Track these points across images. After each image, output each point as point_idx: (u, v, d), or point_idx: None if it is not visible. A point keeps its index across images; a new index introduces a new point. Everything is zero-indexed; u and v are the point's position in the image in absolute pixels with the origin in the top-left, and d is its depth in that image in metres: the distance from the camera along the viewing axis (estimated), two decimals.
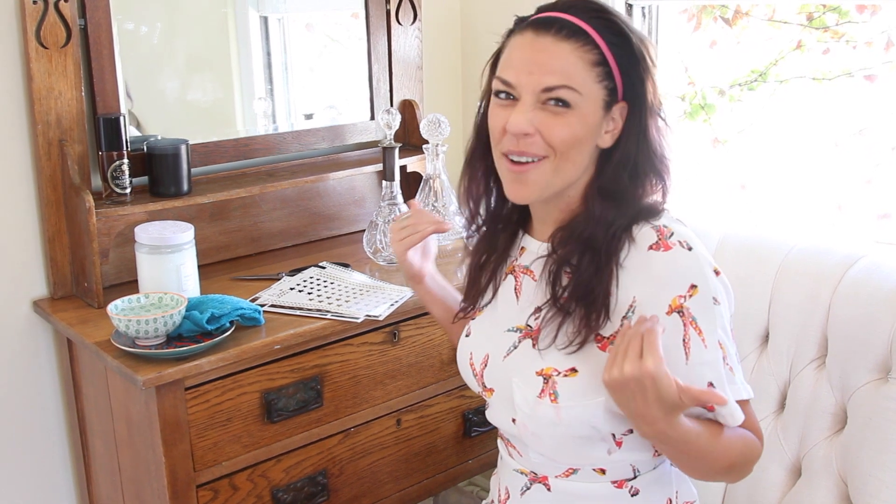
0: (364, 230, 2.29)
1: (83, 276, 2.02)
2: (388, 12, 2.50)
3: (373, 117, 2.53)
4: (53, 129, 1.99)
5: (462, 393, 2.17)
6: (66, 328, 1.94)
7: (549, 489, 1.50)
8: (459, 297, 1.67)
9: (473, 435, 2.23)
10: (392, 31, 2.51)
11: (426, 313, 2.06)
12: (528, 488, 1.52)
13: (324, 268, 2.17)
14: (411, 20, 2.54)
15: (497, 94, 1.39)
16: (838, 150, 2.33)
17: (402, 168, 2.43)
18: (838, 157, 2.32)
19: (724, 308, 1.37)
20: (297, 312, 1.92)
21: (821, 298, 1.75)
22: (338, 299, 1.99)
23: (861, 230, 2.26)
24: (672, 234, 1.36)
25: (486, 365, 1.52)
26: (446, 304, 1.75)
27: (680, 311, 1.33)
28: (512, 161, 1.37)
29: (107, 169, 2.01)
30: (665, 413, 1.25)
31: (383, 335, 2.02)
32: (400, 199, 2.24)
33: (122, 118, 2.02)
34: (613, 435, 1.41)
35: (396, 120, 2.26)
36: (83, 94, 2.01)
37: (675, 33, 2.50)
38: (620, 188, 1.38)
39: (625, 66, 1.34)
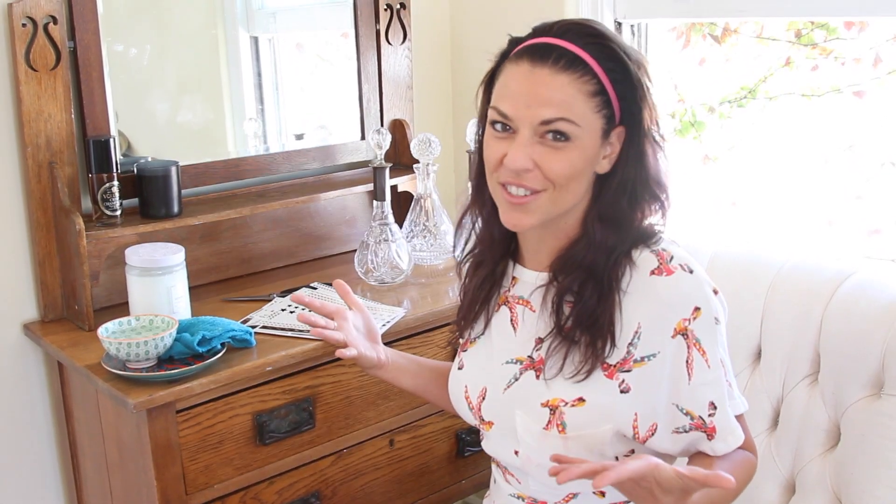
0: (355, 250, 2.28)
1: (73, 299, 2.01)
2: (377, 32, 2.51)
3: (363, 137, 2.53)
4: (43, 151, 1.98)
5: (455, 413, 2.16)
6: (56, 351, 1.93)
7: (603, 495, 1.47)
8: (423, 360, 1.74)
9: (467, 455, 2.22)
10: (382, 51, 2.52)
11: (419, 333, 2.06)
12: (576, 496, 1.48)
13: (315, 288, 2.17)
14: (401, 40, 2.55)
15: (493, 123, 1.36)
16: (828, 166, 2.33)
17: (393, 188, 2.43)
18: (828, 173, 2.33)
19: (724, 326, 1.39)
20: (289, 334, 1.92)
21: (813, 315, 1.75)
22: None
23: (852, 246, 2.26)
24: (672, 257, 1.36)
25: (483, 398, 1.51)
26: (419, 368, 1.74)
27: (684, 333, 1.34)
28: (510, 193, 1.35)
29: (97, 191, 2.01)
30: (676, 500, 1.21)
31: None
32: (391, 218, 2.24)
33: (111, 140, 2.02)
34: (616, 458, 1.40)
35: (387, 140, 2.27)
36: (73, 116, 2.01)
37: (665, 51, 2.51)
38: (619, 213, 1.37)
39: (622, 92, 1.33)
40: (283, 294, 2.15)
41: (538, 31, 1.36)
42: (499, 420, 1.48)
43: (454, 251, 1.65)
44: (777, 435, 1.80)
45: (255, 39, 2.41)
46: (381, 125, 2.55)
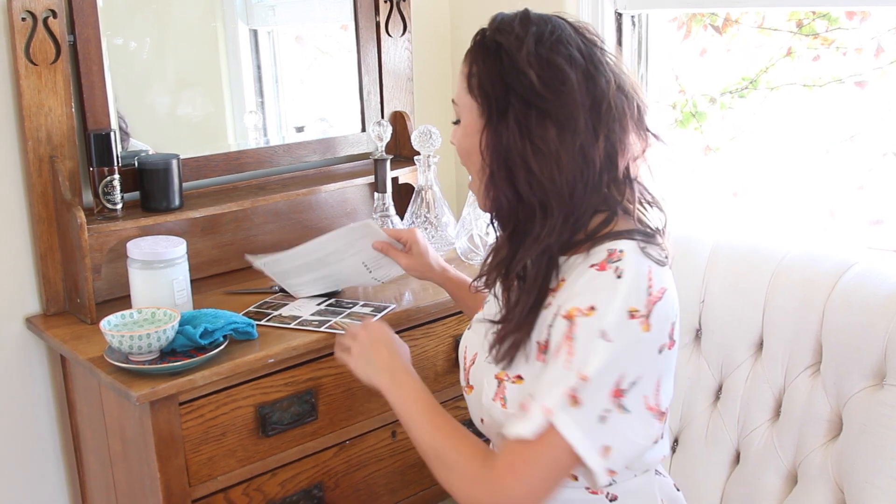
0: None
1: (76, 293, 2.01)
2: (377, 24, 2.50)
3: (364, 129, 2.53)
4: (44, 145, 1.98)
5: (457, 404, 2.17)
6: (59, 344, 1.93)
7: None
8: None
9: None
10: (382, 43, 2.52)
11: (421, 324, 2.06)
12: None
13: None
14: (401, 32, 2.54)
15: None
16: (830, 156, 2.33)
17: (394, 180, 2.43)
18: (830, 164, 2.33)
19: (617, 354, 1.31)
20: (293, 325, 1.92)
21: (814, 305, 1.75)
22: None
23: (854, 236, 2.26)
24: (619, 260, 1.34)
25: (473, 362, 1.55)
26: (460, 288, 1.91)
27: (570, 320, 1.32)
28: None
29: (98, 184, 2.01)
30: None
31: None
32: (392, 210, 2.24)
33: (112, 133, 2.02)
34: None
35: (388, 132, 2.26)
36: (73, 109, 2.01)
37: (666, 42, 2.50)
38: (498, 190, 1.47)
39: (483, 76, 1.40)
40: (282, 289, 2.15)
41: None
42: (477, 387, 1.52)
43: None
44: (779, 425, 1.80)
45: (255, 32, 2.40)
46: (382, 117, 2.55)
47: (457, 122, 1.48)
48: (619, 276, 1.32)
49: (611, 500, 1.46)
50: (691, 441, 1.93)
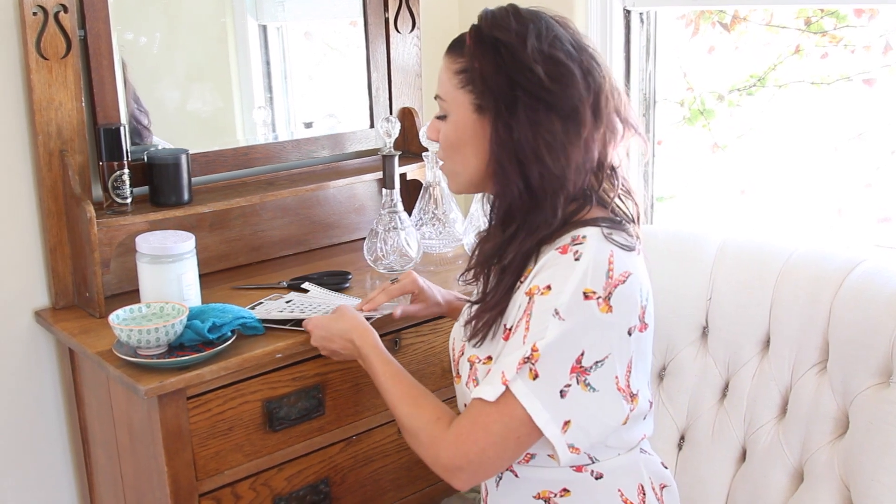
0: (364, 238, 2.29)
1: (84, 286, 2.02)
2: (386, 20, 2.51)
3: (372, 125, 2.53)
4: (54, 139, 1.99)
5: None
6: (67, 338, 1.94)
7: (516, 476, 1.54)
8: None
9: None
10: (391, 39, 2.52)
11: (428, 321, 2.06)
12: (501, 478, 1.57)
13: (307, 290, 2.14)
14: (410, 28, 2.55)
15: None
16: (838, 154, 2.33)
17: (402, 176, 2.43)
18: (838, 162, 2.33)
19: (569, 331, 1.36)
20: (290, 326, 1.92)
21: (821, 303, 1.75)
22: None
23: (861, 234, 2.26)
24: (581, 244, 1.39)
25: (462, 353, 1.57)
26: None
27: (530, 298, 1.39)
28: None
29: (107, 179, 2.01)
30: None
31: (384, 343, 2.01)
32: (400, 206, 2.24)
33: (122, 128, 2.02)
34: None
35: (396, 128, 2.27)
36: (83, 104, 2.01)
37: (674, 39, 2.50)
38: (499, 184, 1.49)
39: (484, 70, 1.42)
40: (294, 282, 2.15)
41: None
42: (463, 375, 1.56)
43: None
44: (785, 423, 1.80)
45: (264, 28, 2.41)
46: (390, 113, 2.55)
47: (442, 118, 1.52)
48: (577, 259, 1.38)
49: (596, 479, 1.50)
50: (698, 438, 1.93)
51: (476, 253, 1.54)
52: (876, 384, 1.66)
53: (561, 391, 1.36)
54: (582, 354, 1.36)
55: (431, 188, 2.35)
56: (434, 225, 2.34)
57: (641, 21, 2.45)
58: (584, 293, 1.35)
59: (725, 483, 1.88)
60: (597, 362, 1.37)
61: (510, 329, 1.43)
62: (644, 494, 1.54)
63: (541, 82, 1.38)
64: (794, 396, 1.79)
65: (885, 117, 2.23)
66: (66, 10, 1.95)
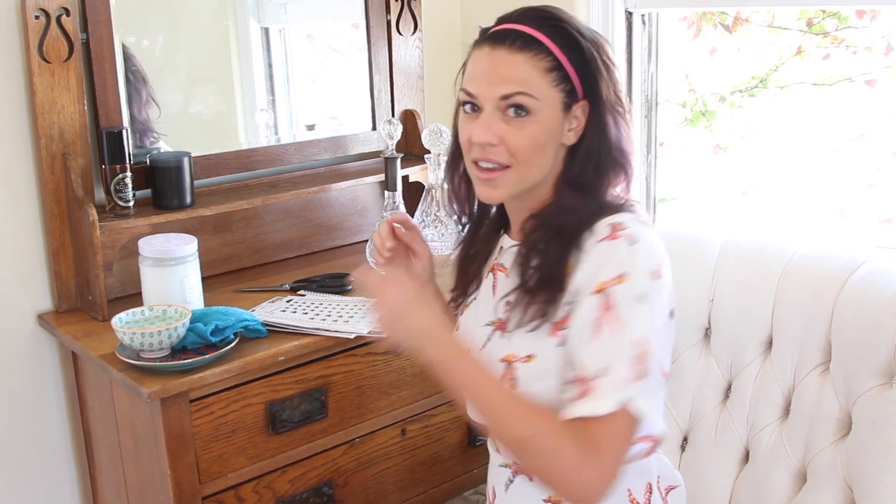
0: (367, 240, 2.29)
1: (87, 290, 2.02)
2: (388, 23, 2.51)
3: (374, 128, 2.53)
4: (56, 142, 1.99)
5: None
6: (70, 341, 1.94)
7: (531, 479, 1.51)
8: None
9: (478, 444, 2.23)
10: (393, 42, 2.52)
11: None
12: (512, 481, 1.54)
13: (303, 295, 2.14)
14: (412, 30, 2.55)
15: (463, 105, 1.46)
16: (839, 155, 2.33)
17: (405, 178, 2.43)
18: (839, 163, 2.33)
19: (656, 313, 1.36)
20: (294, 331, 1.92)
21: (824, 304, 1.75)
22: (338, 317, 1.97)
23: (863, 235, 2.26)
24: (624, 229, 1.38)
25: (485, 352, 1.54)
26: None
27: (603, 293, 1.35)
28: (480, 167, 1.44)
29: (110, 182, 2.02)
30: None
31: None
32: (402, 208, 2.24)
33: (124, 131, 2.03)
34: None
35: (398, 130, 2.27)
36: (86, 107, 2.02)
37: (676, 40, 2.50)
38: (586, 180, 1.45)
39: (579, 67, 1.41)
40: (296, 284, 2.16)
41: (501, 20, 1.47)
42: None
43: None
44: (788, 423, 1.80)
45: (266, 30, 2.41)
46: (392, 115, 2.55)
47: (521, 115, 1.40)
48: (632, 243, 1.36)
49: None
50: (700, 439, 1.93)
51: (534, 263, 1.46)
52: (879, 385, 1.66)
53: (654, 381, 1.34)
54: (656, 339, 1.35)
55: (434, 190, 2.35)
56: (436, 227, 2.34)
57: (643, 22, 2.45)
58: (652, 273, 1.36)
59: (729, 484, 1.87)
60: (658, 346, 1.36)
61: (560, 322, 1.39)
62: (650, 494, 1.54)
63: (613, 76, 1.43)
64: (796, 397, 1.79)
65: (887, 118, 2.23)
66: (68, 13, 1.95)
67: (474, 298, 1.60)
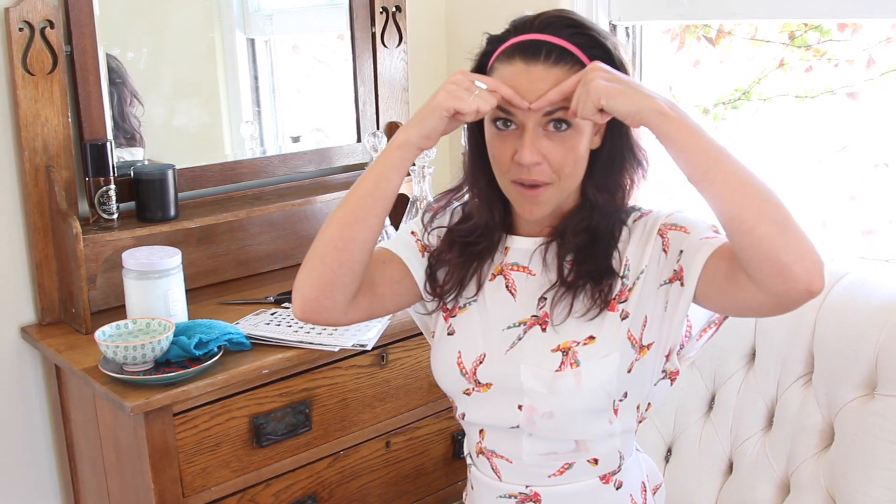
0: None
1: (71, 302, 2.02)
2: (373, 35, 2.51)
3: (359, 140, 2.54)
4: (40, 155, 1.99)
5: (451, 415, 2.17)
6: (53, 354, 1.94)
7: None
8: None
9: (462, 456, 2.23)
10: (378, 54, 2.53)
11: (414, 335, 2.06)
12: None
13: (288, 308, 2.13)
14: (396, 42, 2.56)
15: (495, 121, 1.41)
16: (822, 166, 2.34)
17: None
18: (822, 174, 2.34)
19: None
20: (278, 344, 1.91)
21: (806, 315, 1.75)
22: (322, 330, 1.97)
23: (846, 246, 2.27)
24: (651, 211, 1.49)
25: (481, 362, 1.51)
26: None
27: (661, 233, 1.44)
28: (524, 186, 1.42)
29: (94, 195, 2.01)
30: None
31: (371, 358, 2.02)
32: (387, 221, 2.24)
33: (108, 144, 2.02)
34: (613, 401, 1.45)
35: (383, 142, 2.27)
36: (70, 120, 2.01)
37: (659, 53, 2.51)
38: (613, 181, 1.48)
39: None
40: (281, 297, 2.16)
41: (519, 28, 1.41)
42: (500, 379, 1.49)
43: (422, 220, 1.62)
44: (771, 435, 1.81)
45: (252, 42, 2.41)
46: (377, 128, 2.56)
47: (562, 129, 1.39)
48: (667, 210, 1.47)
49: (617, 489, 1.51)
50: (684, 451, 1.93)
51: (582, 268, 1.49)
52: (861, 396, 1.67)
53: None
54: None
55: (418, 202, 2.35)
56: None
57: (627, 35, 2.46)
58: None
59: (712, 495, 1.88)
60: None
61: (622, 300, 1.44)
62: (645, 493, 1.55)
63: (625, 70, 1.44)
64: (779, 409, 1.80)
65: (869, 130, 2.24)
66: (52, 25, 1.95)
67: (474, 300, 1.55)
